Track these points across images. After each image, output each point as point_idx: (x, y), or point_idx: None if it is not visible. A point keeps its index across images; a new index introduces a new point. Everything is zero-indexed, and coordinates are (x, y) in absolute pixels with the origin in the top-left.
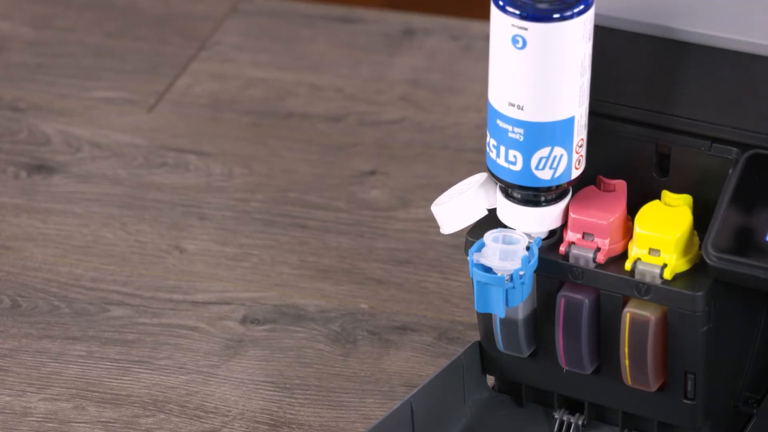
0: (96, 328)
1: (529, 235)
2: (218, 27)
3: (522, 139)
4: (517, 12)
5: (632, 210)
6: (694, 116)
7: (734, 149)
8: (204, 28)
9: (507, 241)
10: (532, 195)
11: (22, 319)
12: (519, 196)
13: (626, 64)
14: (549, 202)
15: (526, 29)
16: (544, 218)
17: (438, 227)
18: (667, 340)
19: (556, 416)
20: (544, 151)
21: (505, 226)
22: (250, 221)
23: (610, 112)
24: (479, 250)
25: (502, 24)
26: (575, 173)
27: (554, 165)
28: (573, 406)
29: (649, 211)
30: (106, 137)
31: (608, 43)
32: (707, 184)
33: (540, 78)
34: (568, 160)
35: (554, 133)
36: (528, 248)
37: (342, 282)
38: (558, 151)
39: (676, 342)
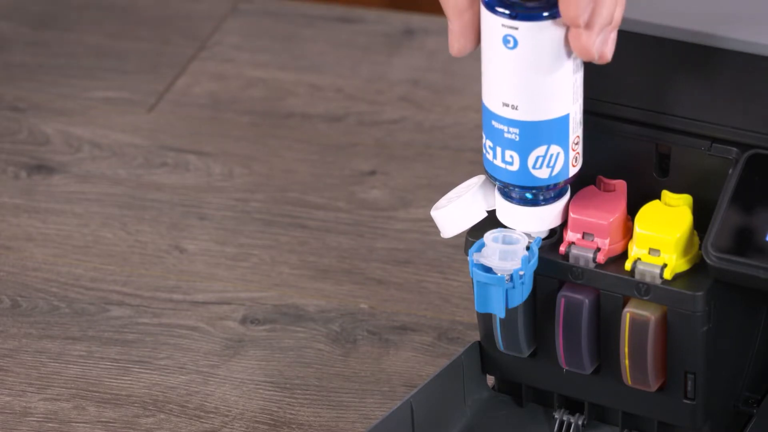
0: (96, 328)
1: (529, 235)
2: (218, 27)
3: (518, 139)
4: (507, 12)
5: (632, 210)
6: (694, 116)
7: (734, 149)
8: (204, 28)
9: (507, 241)
10: (531, 194)
11: (22, 319)
12: (517, 196)
13: (626, 64)
14: (548, 201)
15: (516, 29)
16: (544, 217)
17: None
18: (667, 340)
19: (556, 416)
20: (540, 150)
21: (505, 227)
22: (250, 221)
23: (609, 112)
24: (479, 250)
25: (492, 24)
26: (572, 170)
27: (551, 163)
28: (573, 406)
29: (649, 211)
30: (106, 137)
31: None
32: (707, 184)
33: (533, 77)
34: (564, 158)
35: (550, 131)
36: (528, 248)
37: (342, 282)
38: (554, 149)
39: (676, 342)
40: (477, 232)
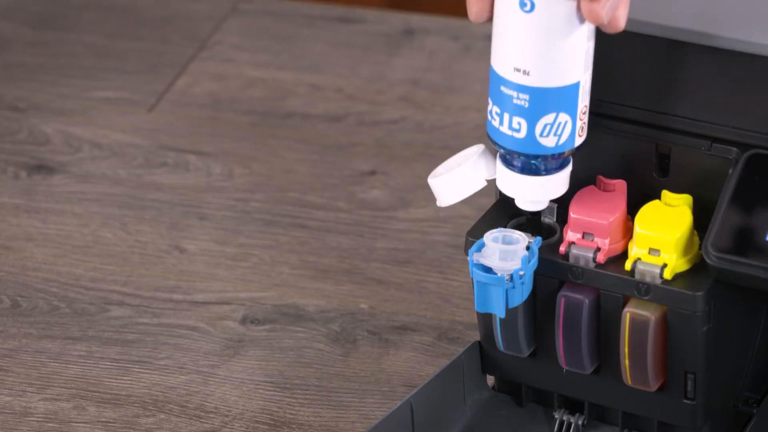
0: (96, 328)
1: (528, 235)
2: (218, 27)
3: (527, 105)
4: None
5: (632, 210)
6: (694, 116)
7: (734, 149)
8: (204, 28)
9: (507, 241)
10: (535, 163)
11: (22, 319)
12: (520, 164)
13: (626, 64)
14: (549, 171)
15: None
16: (546, 187)
17: (438, 224)
18: (667, 340)
19: (556, 416)
20: (549, 118)
21: (506, 202)
22: (250, 221)
23: (610, 112)
24: (479, 250)
25: None
26: (578, 140)
27: (558, 132)
28: (573, 406)
29: (649, 211)
30: (106, 137)
31: (609, 44)
32: (707, 184)
33: (548, 42)
34: (572, 127)
35: (559, 98)
36: (528, 248)
37: (342, 282)
38: (563, 117)
39: (676, 342)
40: (477, 231)
